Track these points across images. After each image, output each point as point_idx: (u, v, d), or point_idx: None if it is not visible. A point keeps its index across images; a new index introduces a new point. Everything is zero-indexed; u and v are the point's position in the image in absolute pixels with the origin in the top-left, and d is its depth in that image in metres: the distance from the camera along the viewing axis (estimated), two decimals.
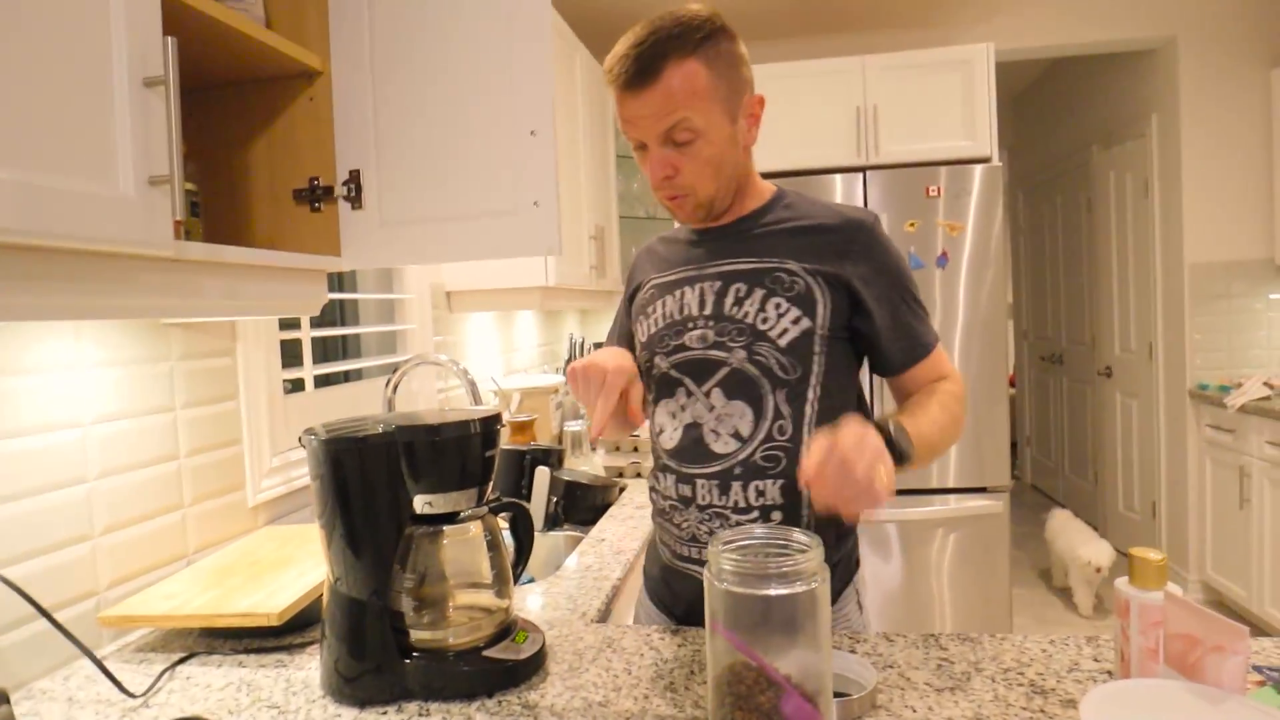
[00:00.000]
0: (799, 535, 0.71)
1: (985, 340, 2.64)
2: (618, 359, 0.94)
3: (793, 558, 0.68)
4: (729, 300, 0.99)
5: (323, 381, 1.71)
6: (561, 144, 2.11)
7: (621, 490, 1.92)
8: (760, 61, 2.80)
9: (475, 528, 0.90)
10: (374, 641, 0.83)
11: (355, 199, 1.14)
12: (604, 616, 1.18)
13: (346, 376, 1.85)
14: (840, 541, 1.02)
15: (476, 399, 1.65)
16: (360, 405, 1.77)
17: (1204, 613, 0.67)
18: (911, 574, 2.70)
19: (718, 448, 0.98)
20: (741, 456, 0.97)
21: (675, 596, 1.07)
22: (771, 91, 2.71)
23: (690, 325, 1.01)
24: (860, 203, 2.68)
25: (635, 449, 2.14)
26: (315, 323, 1.68)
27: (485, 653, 0.86)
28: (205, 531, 1.24)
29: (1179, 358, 3.40)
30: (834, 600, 0.97)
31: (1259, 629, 2.97)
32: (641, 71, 0.91)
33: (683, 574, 1.03)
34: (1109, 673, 0.82)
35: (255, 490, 1.34)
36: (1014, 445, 5.61)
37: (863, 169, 2.73)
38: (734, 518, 0.97)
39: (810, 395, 0.98)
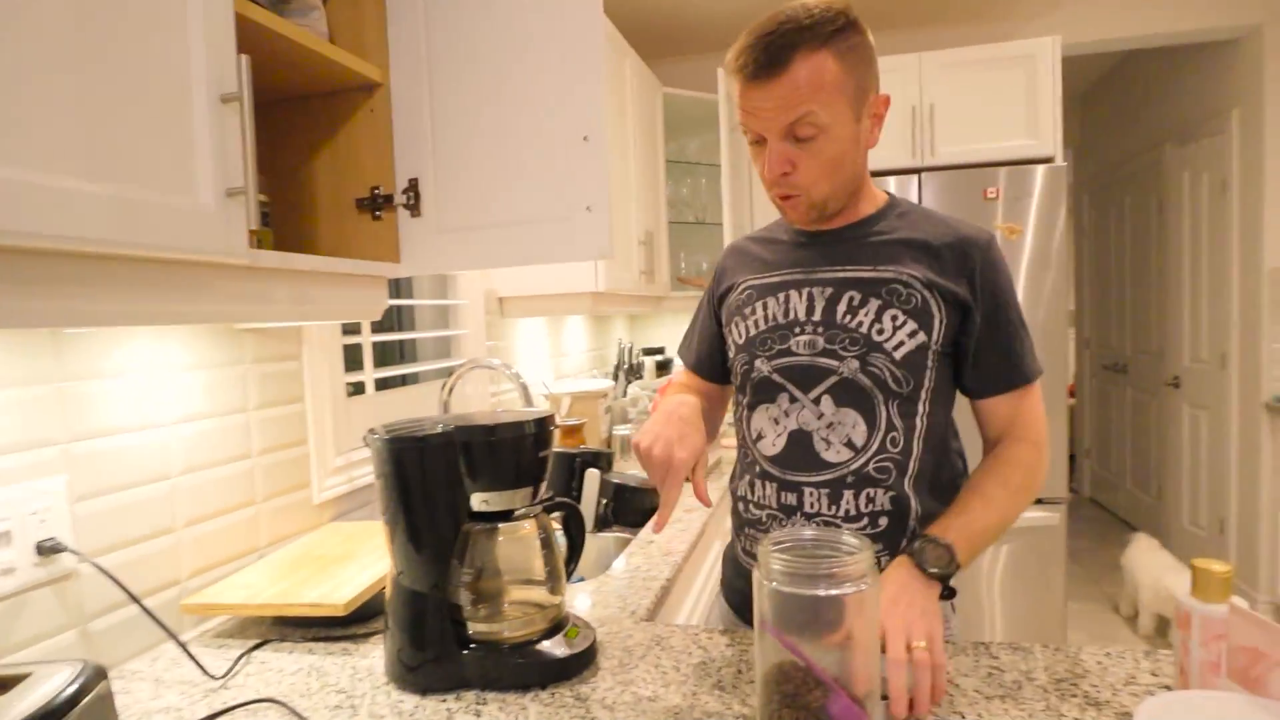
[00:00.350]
0: (849, 538, 0.72)
1: (1044, 348, 2.56)
2: (686, 437, 0.90)
3: (841, 559, 0.69)
4: (841, 308, 0.97)
5: (382, 385, 1.77)
6: (611, 149, 2.14)
7: None
8: None
9: (529, 525, 0.93)
10: (434, 633, 0.87)
11: (414, 206, 1.18)
12: (653, 616, 1.20)
13: (404, 380, 1.91)
14: None
15: (529, 402, 1.68)
16: (417, 408, 1.83)
17: (1271, 625, 0.65)
18: (961, 584, 2.63)
19: (829, 456, 0.97)
20: (855, 466, 0.96)
21: None
22: None
23: (797, 330, 0.99)
24: None
25: None
26: (375, 328, 1.74)
27: (538, 646, 0.88)
28: (275, 527, 1.30)
29: (1255, 369, 3.24)
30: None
31: None
32: (770, 62, 0.88)
33: None
34: (1167, 687, 0.80)
35: (320, 488, 1.40)
36: (1072, 457, 5.41)
37: (917, 171, 2.69)
38: (845, 526, 0.96)
39: (921, 409, 0.97)
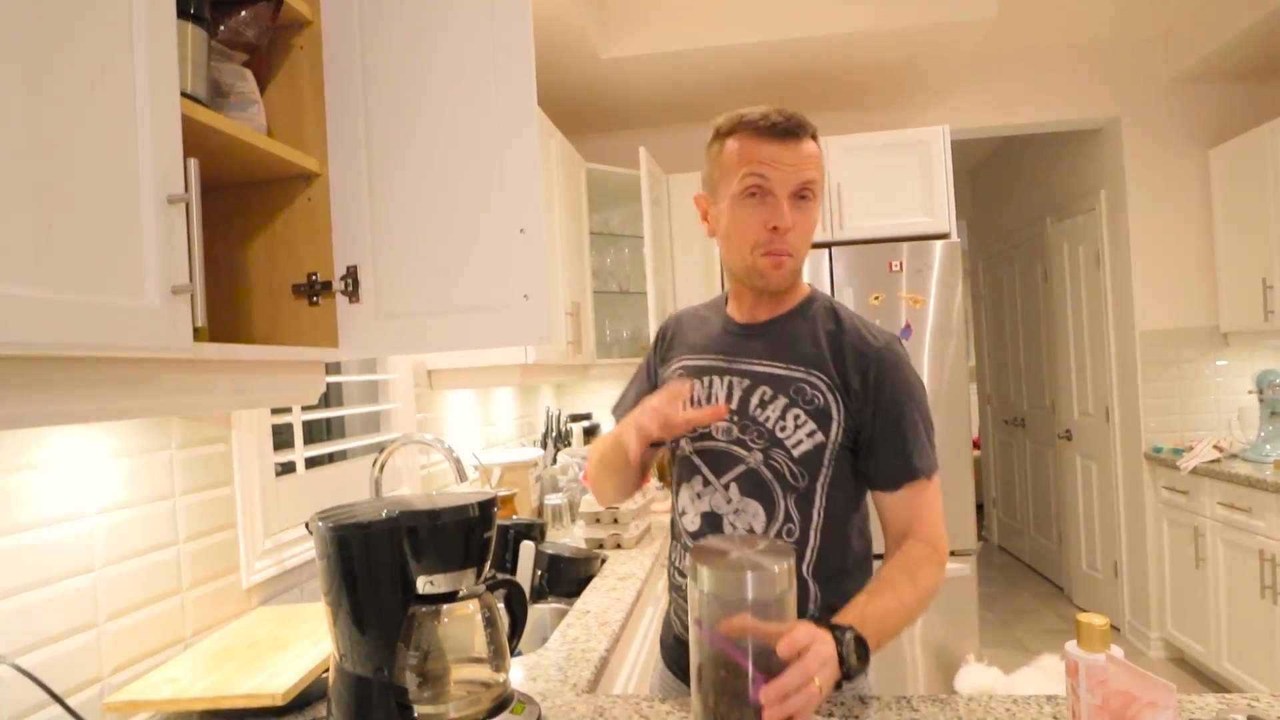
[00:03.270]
0: (768, 547, 0.84)
1: (949, 407, 2.75)
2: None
3: (762, 571, 0.80)
4: (754, 401, 1.06)
5: (311, 462, 1.75)
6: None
7: (603, 562, 1.96)
8: None
9: (473, 605, 0.95)
10: (379, 716, 0.87)
11: (352, 293, 1.21)
12: (593, 687, 1.22)
13: (331, 457, 1.89)
14: None
15: (461, 476, 1.70)
16: (347, 484, 1.81)
17: (1139, 672, 0.75)
18: None
19: None
20: None
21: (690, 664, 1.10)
22: None
23: None
24: (825, 277, 2.82)
25: (615, 520, 2.18)
26: (305, 406, 1.73)
27: None
28: (202, 615, 1.26)
29: (1134, 421, 3.54)
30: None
31: (1218, 685, 3.03)
32: (794, 130, 1.03)
33: None
34: None
35: (249, 573, 1.37)
36: (980, 507, 5.69)
37: (828, 245, 2.87)
38: None
39: (818, 502, 1.05)
